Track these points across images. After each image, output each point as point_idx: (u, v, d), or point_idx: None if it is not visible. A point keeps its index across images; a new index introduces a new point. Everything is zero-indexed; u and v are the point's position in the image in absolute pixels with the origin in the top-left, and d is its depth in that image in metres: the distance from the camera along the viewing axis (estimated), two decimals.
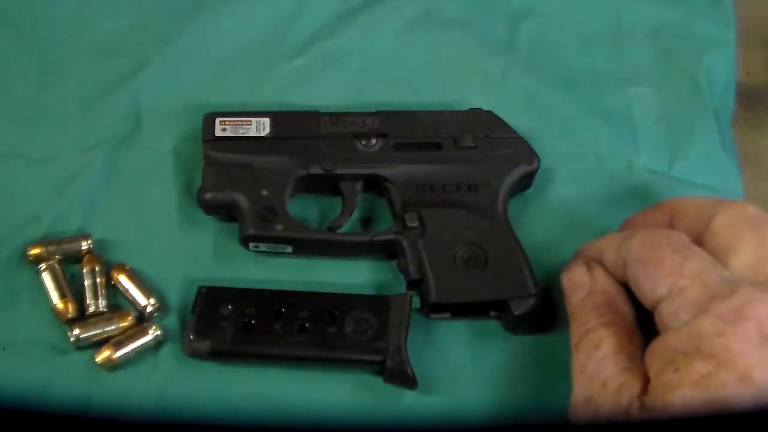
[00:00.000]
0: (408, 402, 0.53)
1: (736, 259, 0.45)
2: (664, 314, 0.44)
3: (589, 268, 0.50)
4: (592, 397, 0.45)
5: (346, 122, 0.59)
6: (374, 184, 0.59)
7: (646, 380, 0.44)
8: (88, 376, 0.52)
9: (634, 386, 0.44)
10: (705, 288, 0.43)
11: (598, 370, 0.46)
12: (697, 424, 0.40)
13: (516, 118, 0.61)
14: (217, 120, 0.59)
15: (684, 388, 0.41)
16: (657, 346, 0.44)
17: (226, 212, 0.57)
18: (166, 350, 0.54)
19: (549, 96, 0.65)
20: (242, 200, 0.56)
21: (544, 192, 0.61)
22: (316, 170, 0.58)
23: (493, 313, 0.55)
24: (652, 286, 0.45)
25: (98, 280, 0.55)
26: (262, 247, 0.56)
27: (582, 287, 0.50)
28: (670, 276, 0.44)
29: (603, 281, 0.49)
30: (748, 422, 0.39)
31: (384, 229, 0.57)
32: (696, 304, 0.42)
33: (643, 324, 0.48)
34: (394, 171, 0.58)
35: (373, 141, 0.59)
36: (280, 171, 0.57)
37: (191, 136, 0.60)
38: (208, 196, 0.56)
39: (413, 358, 0.52)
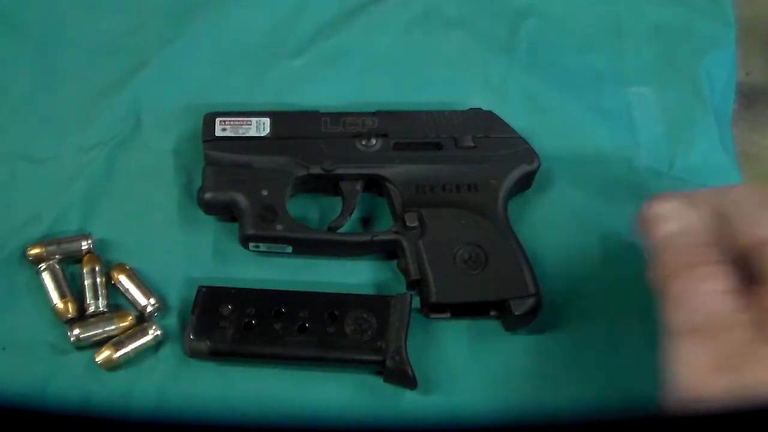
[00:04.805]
0: (408, 402, 0.53)
1: None
2: None
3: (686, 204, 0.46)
4: (697, 329, 0.41)
5: (346, 122, 0.59)
6: (374, 184, 0.59)
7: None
8: (88, 376, 0.53)
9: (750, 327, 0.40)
10: None
11: (711, 301, 0.42)
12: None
13: (516, 118, 0.61)
14: (217, 120, 0.59)
15: None
16: None
17: (226, 212, 0.57)
18: (166, 350, 0.54)
19: (549, 96, 0.65)
20: (242, 200, 0.56)
21: (544, 192, 0.61)
22: (316, 170, 0.58)
23: (493, 313, 0.55)
24: (757, 223, 0.42)
25: (98, 280, 0.55)
26: (262, 247, 0.56)
27: (675, 219, 0.45)
28: None
29: (708, 219, 0.45)
30: None
31: (384, 229, 0.57)
32: None
33: None
34: (394, 171, 0.58)
35: (373, 141, 0.59)
36: (280, 171, 0.57)
37: (191, 136, 0.60)
38: (208, 196, 0.56)
39: (413, 358, 0.52)
